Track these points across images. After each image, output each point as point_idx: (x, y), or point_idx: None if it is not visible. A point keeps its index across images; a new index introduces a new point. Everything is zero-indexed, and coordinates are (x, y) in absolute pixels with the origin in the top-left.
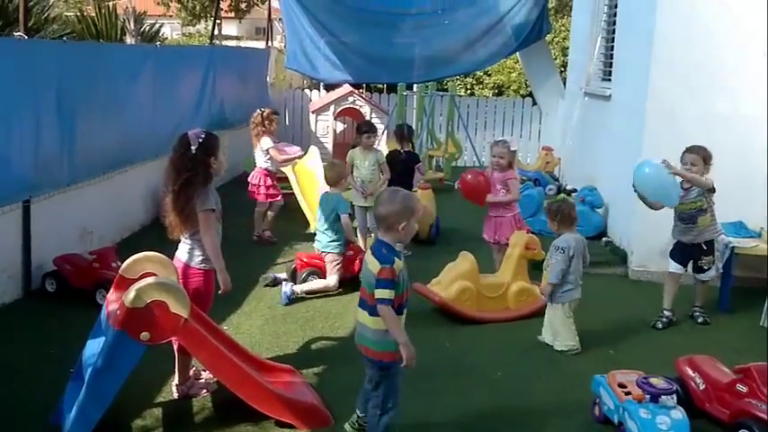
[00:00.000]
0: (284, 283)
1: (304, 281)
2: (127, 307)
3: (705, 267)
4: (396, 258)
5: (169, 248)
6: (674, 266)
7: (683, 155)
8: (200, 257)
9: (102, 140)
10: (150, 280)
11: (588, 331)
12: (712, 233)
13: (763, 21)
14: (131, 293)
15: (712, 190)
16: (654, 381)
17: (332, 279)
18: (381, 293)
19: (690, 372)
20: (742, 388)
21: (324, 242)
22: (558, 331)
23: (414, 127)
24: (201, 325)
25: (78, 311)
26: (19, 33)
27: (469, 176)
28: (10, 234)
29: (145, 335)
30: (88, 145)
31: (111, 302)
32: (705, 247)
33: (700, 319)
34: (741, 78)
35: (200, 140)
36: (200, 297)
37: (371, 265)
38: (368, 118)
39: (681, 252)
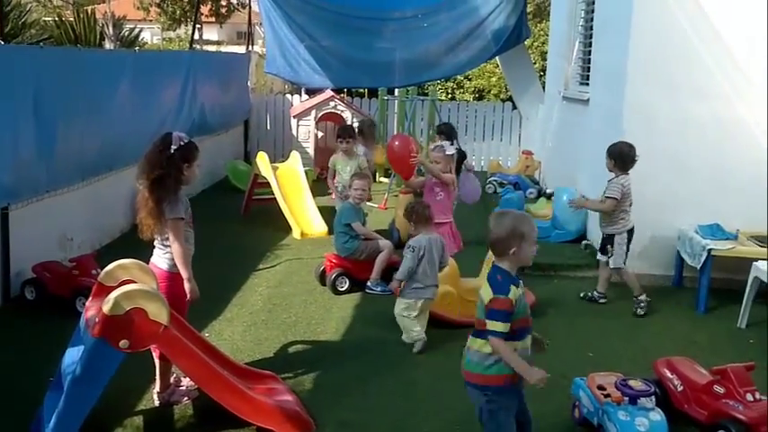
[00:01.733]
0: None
1: (333, 282)
2: (105, 314)
3: (609, 255)
4: (512, 286)
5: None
6: (599, 255)
7: None
8: (172, 261)
9: (81, 146)
10: (129, 287)
11: (567, 333)
12: (614, 229)
13: (739, 24)
14: (110, 301)
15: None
16: (632, 383)
17: (385, 246)
18: (493, 326)
19: (668, 373)
20: (719, 389)
21: (338, 245)
22: (403, 326)
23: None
24: (181, 332)
25: (58, 319)
26: None
27: (397, 142)
28: None
29: (124, 342)
30: (67, 151)
31: (90, 310)
32: (608, 239)
33: (600, 300)
34: (717, 82)
35: (182, 143)
36: (173, 300)
37: (484, 291)
38: (349, 123)
39: (601, 242)
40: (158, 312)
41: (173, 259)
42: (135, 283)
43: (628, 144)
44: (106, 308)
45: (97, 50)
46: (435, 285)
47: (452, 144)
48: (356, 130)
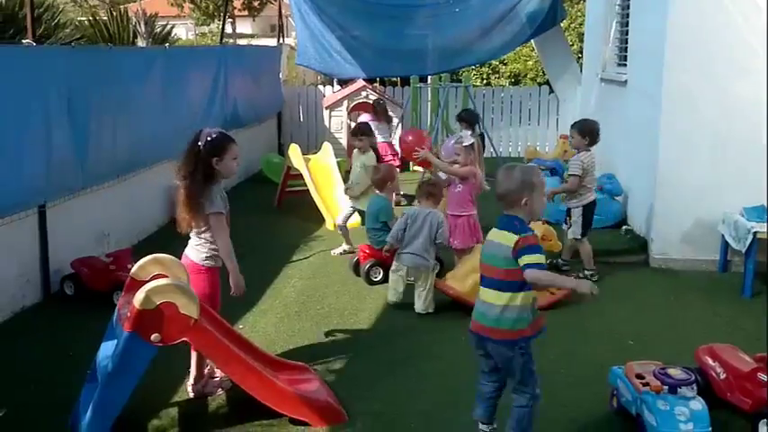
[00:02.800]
0: None
1: (367, 273)
2: (137, 309)
3: (569, 227)
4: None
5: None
6: (563, 225)
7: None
8: (205, 255)
9: (115, 144)
10: (160, 281)
11: (608, 321)
12: (572, 203)
13: None
14: (141, 295)
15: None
16: (671, 371)
17: None
18: (533, 258)
19: (710, 361)
20: (763, 376)
21: (375, 240)
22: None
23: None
24: (213, 325)
25: (96, 313)
26: (27, 41)
27: (410, 137)
28: (27, 239)
29: (155, 336)
30: (101, 149)
31: (123, 305)
32: (568, 212)
33: (563, 267)
34: (759, 60)
35: (209, 139)
36: (205, 294)
37: (502, 238)
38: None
39: (565, 213)
40: (188, 306)
41: (205, 252)
42: (166, 277)
43: (593, 120)
44: (137, 302)
45: (128, 48)
46: (414, 254)
47: (473, 132)
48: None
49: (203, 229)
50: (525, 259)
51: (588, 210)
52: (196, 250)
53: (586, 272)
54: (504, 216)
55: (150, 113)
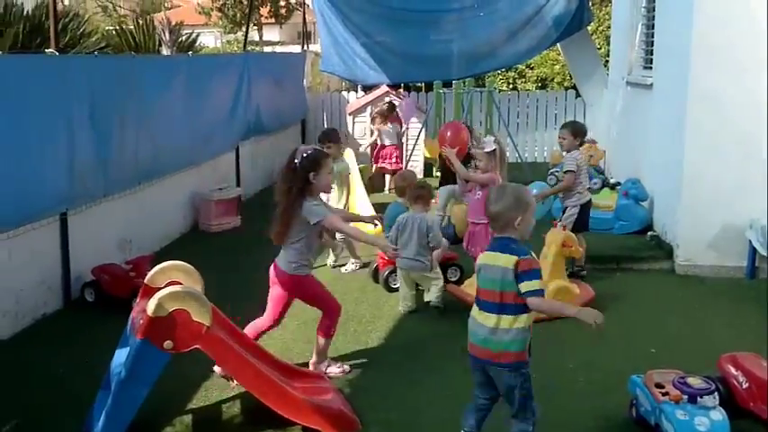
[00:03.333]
0: None
1: (386, 279)
2: (149, 316)
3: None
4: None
5: (207, 256)
6: None
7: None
8: (296, 265)
9: (137, 151)
10: (172, 288)
11: (630, 328)
12: (569, 202)
13: None
14: (153, 302)
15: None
16: (691, 380)
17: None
18: (532, 285)
19: (732, 370)
20: None
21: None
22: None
23: None
24: (227, 332)
25: (115, 320)
26: (51, 50)
27: (449, 133)
28: (49, 246)
29: (168, 343)
30: (123, 157)
31: (137, 312)
32: (564, 211)
33: (581, 273)
34: None
35: (304, 155)
36: (304, 297)
37: (501, 261)
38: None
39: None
40: (201, 313)
41: (296, 263)
42: (180, 284)
43: (581, 122)
44: (150, 309)
45: (151, 56)
46: (410, 259)
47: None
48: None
49: (295, 240)
50: (525, 286)
51: (584, 210)
52: (287, 261)
53: (575, 267)
54: (498, 238)
55: (172, 120)
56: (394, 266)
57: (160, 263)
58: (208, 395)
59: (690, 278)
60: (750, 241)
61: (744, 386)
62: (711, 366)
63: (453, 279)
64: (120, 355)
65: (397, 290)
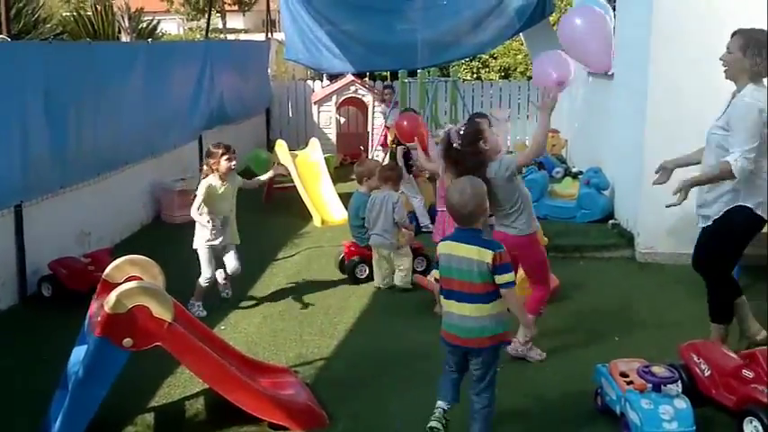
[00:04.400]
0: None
1: (353, 270)
2: (108, 313)
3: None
4: None
5: (169, 248)
6: None
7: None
8: (526, 224)
9: (95, 141)
10: (132, 284)
11: (594, 317)
12: None
13: None
14: (112, 298)
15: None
16: (655, 369)
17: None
18: (508, 277)
19: (695, 358)
20: (748, 373)
21: (360, 237)
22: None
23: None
24: (189, 327)
25: (74, 315)
26: (2, 36)
27: (405, 122)
28: (2, 240)
29: (127, 341)
30: (80, 147)
31: (95, 308)
32: None
33: None
34: None
35: (461, 133)
36: (541, 261)
37: (474, 254)
38: (371, 107)
39: None
40: (162, 309)
41: (524, 222)
42: (140, 279)
43: None
44: (108, 306)
45: (109, 43)
46: (377, 234)
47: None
48: None
49: (513, 202)
50: (503, 278)
51: None
52: (515, 227)
53: None
54: (464, 230)
55: (133, 109)
56: (360, 257)
57: (120, 255)
58: (170, 392)
59: (650, 265)
60: None
61: (706, 374)
62: (672, 354)
63: (420, 269)
64: (78, 353)
65: (364, 281)
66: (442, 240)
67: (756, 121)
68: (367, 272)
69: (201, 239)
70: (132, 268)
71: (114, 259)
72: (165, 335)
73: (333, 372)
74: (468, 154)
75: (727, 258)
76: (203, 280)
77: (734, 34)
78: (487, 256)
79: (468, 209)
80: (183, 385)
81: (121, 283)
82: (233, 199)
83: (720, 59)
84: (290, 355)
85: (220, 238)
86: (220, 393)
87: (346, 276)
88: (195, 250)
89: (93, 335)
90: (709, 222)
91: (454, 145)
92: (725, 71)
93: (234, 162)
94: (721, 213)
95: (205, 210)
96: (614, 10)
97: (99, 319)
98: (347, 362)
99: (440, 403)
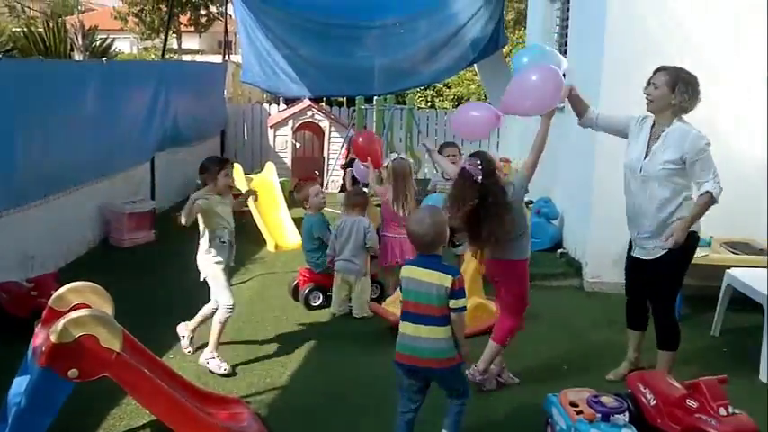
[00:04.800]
0: None
1: (306, 298)
2: (53, 342)
3: (457, 243)
4: None
5: (117, 273)
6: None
7: (444, 148)
8: (522, 250)
9: (44, 161)
10: (79, 312)
11: (543, 345)
12: None
13: (711, 29)
14: (58, 327)
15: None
16: (604, 399)
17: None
18: (461, 302)
19: (641, 387)
20: (692, 403)
21: (314, 262)
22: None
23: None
24: (138, 357)
25: (16, 343)
26: None
27: (360, 140)
28: None
29: (73, 372)
30: (27, 167)
31: (39, 337)
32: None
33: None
34: None
35: (480, 167)
36: (512, 282)
37: (434, 278)
38: (327, 132)
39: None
40: (111, 338)
41: (523, 248)
42: (88, 307)
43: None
44: (54, 336)
45: (61, 61)
46: (345, 260)
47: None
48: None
49: (523, 224)
50: (458, 303)
51: None
52: (518, 248)
53: None
54: (425, 256)
55: (83, 129)
56: (314, 284)
57: (66, 280)
58: (115, 424)
59: (597, 294)
60: None
61: (652, 403)
62: (619, 383)
63: (374, 296)
64: (20, 384)
65: (318, 308)
66: (405, 264)
67: (709, 150)
68: (321, 299)
69: (211, 261)
70: (80, 295)
71: (59, 284)
72: (112, 365)
73: (285, 402)
74: (492, 185)
75: (681, 285)
76: (226, 310)
77: (657, 71)
78: (447, 280)
79: (428, 238)
80: (128, 417)
81: (69, 311)
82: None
83: (645, 93)
84: (242, 385)
85: (231, 258)
86: (169, 426)
87: (300, 304)
88: (151, 275)
89: (37, 365)
90: (661, 252)
91: (479, 180)
92: (649, 104)
93: (230, 178)
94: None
95: (207, 230)
96: (566, 45)
97: (44, 348)
98: (300, 392)
99: None
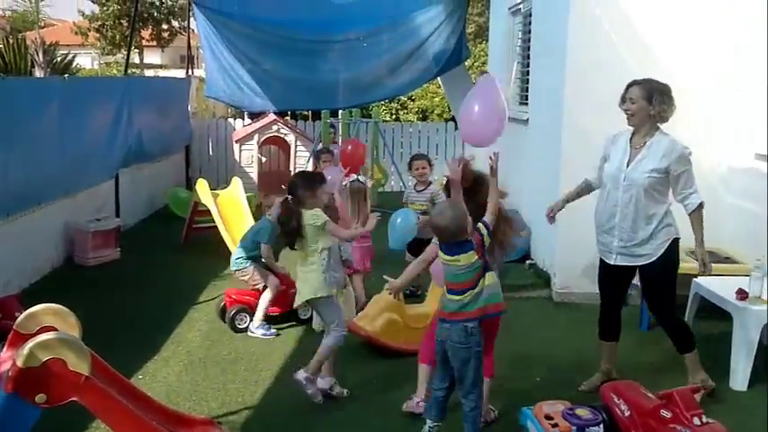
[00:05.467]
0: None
1: (233, 319)
2: (19, 367)
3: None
4: None
5: (83, 293)
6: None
7: (414, 161)
8: None
9: (5, 180)
10: (47, 335)
11: (515, 357)
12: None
13: (672, 44)
14: (25, 351)
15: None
16: (579, 412)
17: (271, 283)
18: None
19: (615, 398)
20: (666, 413)
21: (232, 258)
22: None
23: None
24: (107, 380)
25: None
26: None
27: (349, 147)
28: None
29: (40, 397)
30: None
31: (4, 362)
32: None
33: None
34: None
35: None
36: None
37: (464, 259)
38: (293, 146)
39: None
40: (79, 362)
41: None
42: (55, 329)
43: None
44: (20, 359)
45: (21, 78)
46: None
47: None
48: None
49: None
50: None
51: None
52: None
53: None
54: (451, 245)
55: (45, 147)
56: (241, 305)
57: (29, 301)
58: None
59: (567, 305)
60: None
61: (626, 414)
62: (591, 394)
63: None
64: None
65: (243, 330)
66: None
67: (691, 162)
68: (247, 321)
69: (318, 283)
70: (46, 317)
71: (23, 306)
72: (81, 389)
73: (259, 422)
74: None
75: (674, 290)
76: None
77: (630, 86)
78: (472, 256)
79: (451, 228)
80: None
81: (35, 334)
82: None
83: (624, 109)
84: (213, 406)
85: (340, 275)
86: None
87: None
88: (118, 293)
89: (2, 391)
90: (650, 260)
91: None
92: (629, 119)
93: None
94: (664, 249)
95: (315, 252)
96: (528, 58)
97: (9, 373)
98: (273, 411)
99: (428, 422)
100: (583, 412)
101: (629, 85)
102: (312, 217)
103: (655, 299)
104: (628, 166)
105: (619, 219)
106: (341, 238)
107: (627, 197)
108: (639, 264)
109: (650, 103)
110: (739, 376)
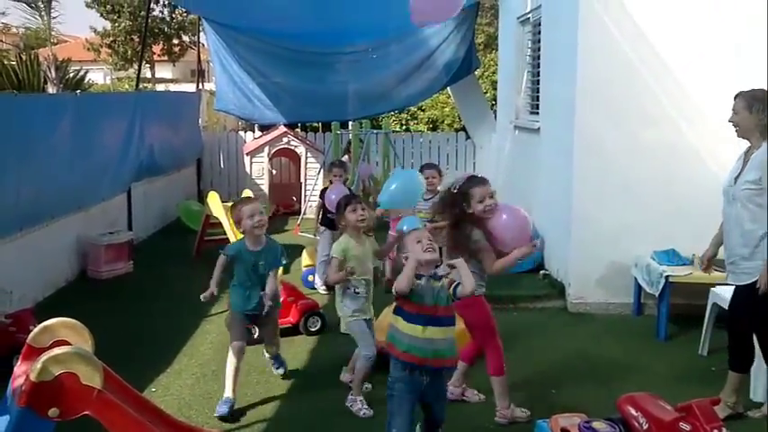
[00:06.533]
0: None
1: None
2: (32, 381)
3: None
4: None
5: (96, 306)
6: None
7: (424, 169)
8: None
9: (19, 196)
10: (58, 350)
11: (530, 369)
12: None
13: (683, 49)
14: (38, 365)
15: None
16: (596, 425)
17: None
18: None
19: (632, 411)
20: (685, 426)
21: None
22: None
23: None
24: (119, 393)
25: None
26: None
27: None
28: None
29: (53, 411)
30: (2, 201)
31: (18, 376)
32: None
33: None
34: (663, 108)
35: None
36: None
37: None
38: (303, 158)
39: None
40: (92, 375)
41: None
42: (68, 343)
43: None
44: (33, 374)
45: (35, 95)
46: None
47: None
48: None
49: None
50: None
51: None
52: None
53: None
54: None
55: (59, 162)
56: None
57: (43, 314)
58: None
59: (582, 315)
60: (635, 279)
61: (644, 427)
62: (607, 404)
63: (314, 329)
64: (1, 425)
65: (255, 342)
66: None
67: None
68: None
69: (345, 314)
70: (59, 331)
71: (36, 319)
72: (94, 403)
73: None
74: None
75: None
76: (365, 359)
77: (735, 97)
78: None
79: None
80: None
81: (48, 348)
82: (370, 262)
83: (730, 122)
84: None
85: (369, 310)
86: None
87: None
88: (131, 306)
89: (16, 405)
90: (751, 280)
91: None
92: (736, 131)
93: (362, 213)
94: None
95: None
96: (538, 67)
97: (23, 387)
98: (286, 423)
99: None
100: (600, 425)
101: (735, 97)
102: None
103: (759, 318)
104: (736, 181)
105: (725, 235)
106: None
107: (732, 212)
108: (741, 284)
109: (751, 112)
110: (759, 387)
